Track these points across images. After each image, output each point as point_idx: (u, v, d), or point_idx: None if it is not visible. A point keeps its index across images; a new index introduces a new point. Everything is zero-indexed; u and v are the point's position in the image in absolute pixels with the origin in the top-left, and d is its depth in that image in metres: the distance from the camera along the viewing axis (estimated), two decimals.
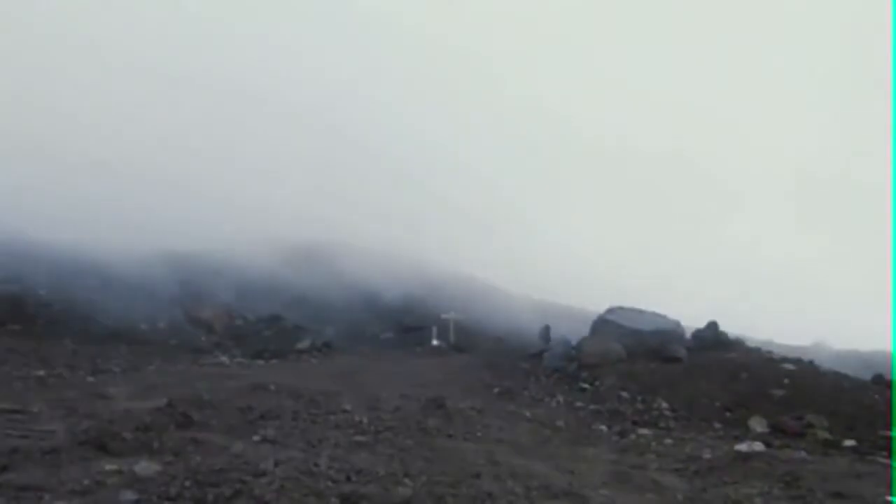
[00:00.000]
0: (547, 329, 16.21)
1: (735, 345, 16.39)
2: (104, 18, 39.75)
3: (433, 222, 37.99)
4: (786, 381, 12.02)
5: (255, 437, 5.94)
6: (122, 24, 40.26)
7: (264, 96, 41.16)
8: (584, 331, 16.58)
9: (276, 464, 4.94)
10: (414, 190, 40.97)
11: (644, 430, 8.81)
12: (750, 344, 17.29)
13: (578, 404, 10.91)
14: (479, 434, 7.38)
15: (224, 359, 14.16)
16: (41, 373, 9.21)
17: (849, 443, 8.30)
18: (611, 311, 17.04)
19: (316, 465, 5.10)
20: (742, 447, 7.33)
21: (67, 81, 30.65)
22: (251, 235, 24.44)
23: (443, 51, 63.93)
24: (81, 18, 37.25)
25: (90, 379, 9.33)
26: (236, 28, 49.04)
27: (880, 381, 12.28)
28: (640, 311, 16.95)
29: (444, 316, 21.68)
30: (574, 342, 15.50)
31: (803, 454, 7.36)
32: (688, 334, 16.60)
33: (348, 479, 4.84)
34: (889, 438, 8.43)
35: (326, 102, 50.38)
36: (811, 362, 14.24)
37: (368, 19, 60.35)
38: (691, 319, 17.32)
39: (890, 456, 7.56)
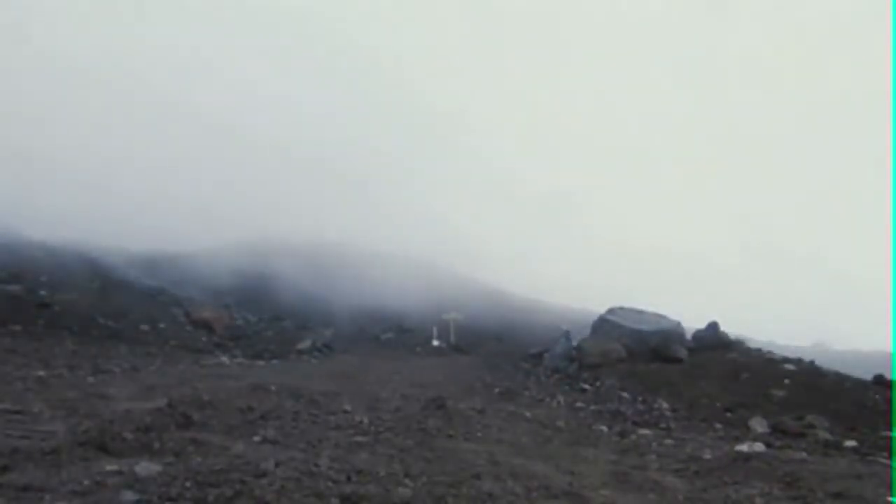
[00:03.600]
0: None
1: (735, 345, 16.39)
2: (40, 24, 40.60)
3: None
4: (786, 381, 12.03)
5: (256, 438, 5.93)
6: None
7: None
8: (584, 331, 16.61)
9: (277, 464, 4.94)
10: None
11: (644, 431, 8.79)
12: (750, 344, 17.30)
13: (579, 405, 10.90)
14: (479, 434, 7.37)
15: (224, 359, 14.15)
16: (41, 373, 9.19)
17: (850, 443, 8.29)
18: (611, 311, 17.07)
19: (316, 465, 5.09)
20: (742, 447, 7.33)
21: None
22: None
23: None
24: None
25: (90, 379, 9.30)
26: (143, 31, 50.22)
27: (881, 382, 12.27)
28: (641, 311, 16.98)
29: (444, 316, 21.72)
30: (574, 342, 15.53)
31: (804, 455, 7.34)
32: (688, 334, 16.62)
33: (349, 479, 4.83)
34: (890, 439, 8.42)
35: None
36: (812, 362, 14.24)
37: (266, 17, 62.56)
38: (691, 320, 17.37)
39: (891, 456, 7.54)
